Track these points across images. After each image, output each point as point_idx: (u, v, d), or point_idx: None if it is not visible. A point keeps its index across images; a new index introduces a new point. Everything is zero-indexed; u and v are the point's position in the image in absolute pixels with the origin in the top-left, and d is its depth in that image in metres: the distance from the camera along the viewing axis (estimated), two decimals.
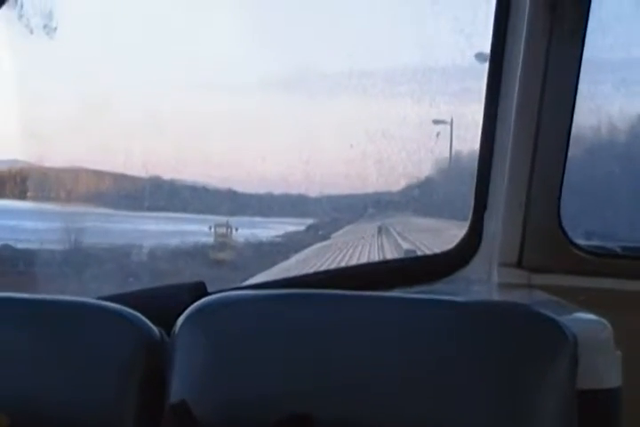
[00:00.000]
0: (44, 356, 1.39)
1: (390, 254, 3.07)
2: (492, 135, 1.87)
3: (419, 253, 2.53)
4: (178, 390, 1.35)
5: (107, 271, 2.72)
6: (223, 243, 3.18)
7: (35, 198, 3.11)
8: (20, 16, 2.11)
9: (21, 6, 2.11)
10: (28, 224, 3.14)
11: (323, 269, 2.80)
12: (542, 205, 1.85)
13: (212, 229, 3.21)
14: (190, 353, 1.37)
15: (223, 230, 3.22)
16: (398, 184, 2.59)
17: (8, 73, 2.28)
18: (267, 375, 1.33)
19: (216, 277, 1.65)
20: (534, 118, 1.83)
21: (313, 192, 2.71)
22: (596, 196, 2.10)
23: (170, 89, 2.59)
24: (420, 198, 2.72)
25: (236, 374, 1.34)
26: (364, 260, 3.09)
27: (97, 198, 3.24)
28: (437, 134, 2.11)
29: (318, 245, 3.22)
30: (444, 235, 2.39)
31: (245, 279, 2.27)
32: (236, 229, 3.21)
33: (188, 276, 2.88)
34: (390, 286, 1.85)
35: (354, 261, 3.02)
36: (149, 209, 2.97)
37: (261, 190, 2.87)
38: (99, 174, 3.21)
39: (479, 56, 2.03)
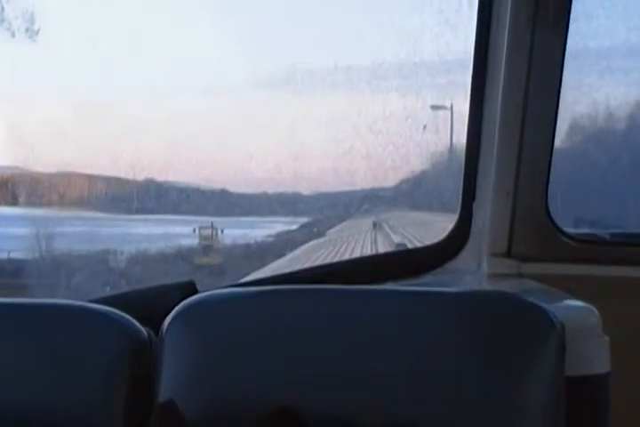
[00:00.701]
0: (30, 358, 1.39)
1: (383, 249, 3.08)
2: (478, 126, 1.87)
3: (410, 246, 2.53)
4: (166, 389, 1.34)
5: (78, 281, 2.58)
6: (208, 246, 3.02)
7: (26, 204, 3.09)
8: (2, 20, 2.10)
9: (2, 9, 2.10)
10: (18, 231, 3.07)
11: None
12: (530, 194, 1.85)
13: (197, 232, 3.05)
14: (178, 352, 1.37)
15: (208, 232, 3.06)
16: (387, 179, 2.59)
17: None
18: (255, 373, 1.33)
19: (199, 283, 1.61)
20: (520, 108, 1.83)
21: (304, 190, 2.71)
22: (584, 184, 2.10)
23: (156, 91, 2.59)
24: (411, 192, 2.72)
25: (225, 372, 1.34)
26: (357, 255, 3.09)
27: (87, 202, 3.22)
28: (424, 127, 2.12)
29: (313, 242, 3.21)
30: (436, 227, 2.39)
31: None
32: (222, 231, 3.04)
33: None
34: (381, 280, 1.85)
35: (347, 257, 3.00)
36: (139, 212, 2.93)
37: (252, 190, 2.87)
38: (90, 178, 3.20)
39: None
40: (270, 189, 2.79)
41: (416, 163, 2.41)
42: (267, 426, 1.18)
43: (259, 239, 3.17)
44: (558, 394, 1.28)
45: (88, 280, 2.61)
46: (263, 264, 2.72)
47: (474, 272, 1.88)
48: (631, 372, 1.50)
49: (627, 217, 2.13)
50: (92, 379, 1.36)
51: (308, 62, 2.30)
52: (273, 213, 2.99)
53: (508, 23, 1.79)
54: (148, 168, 2.67)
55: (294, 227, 3.23)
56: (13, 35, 2.13)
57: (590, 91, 2.06)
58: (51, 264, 2.74)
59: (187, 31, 2.41)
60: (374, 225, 3.15)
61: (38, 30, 2.16)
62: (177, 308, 1.41)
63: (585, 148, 2.15)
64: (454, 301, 1.40)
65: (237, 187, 2.84)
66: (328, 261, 2.95)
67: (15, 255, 2.83)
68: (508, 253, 1.87)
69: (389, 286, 1.79)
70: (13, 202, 3.11)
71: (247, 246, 3.13)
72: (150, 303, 1.57)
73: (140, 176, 2.77)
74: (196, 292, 1.60)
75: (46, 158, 2.60)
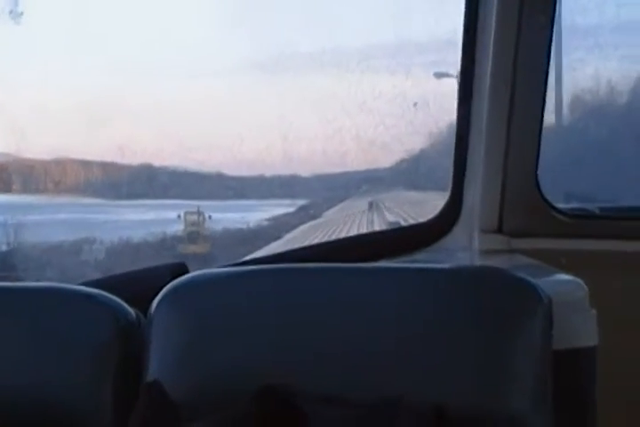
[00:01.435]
0: (18, 341, 1.39)
1: (379, 228, 3.08)
2: (468, 105, 1.88)
3: (404, 224, 2.54)
4: (154, 370, 1.34)
5: (48, 276, 2.41)
6: (194, 233, 2.79)
7: (21, 191, 3.07)
8: None
9: None
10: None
11: None
12: (520, 170, 1.86)
13: (182, 217, 2.80)
14: (166, 333, 1.37)
15: (194, 218, 2.83)
16: (380, 159, 2.59)
17: None
18: (244, 353, 1.33)
19: None
20: (509, 86, 1.83)
21: (302, 172, 2.70)
22: (574, 159, 2.11)
23: (145, 74, 2.58)
24: (407, 172, 2.72)
25: (213, 353, 1.34)
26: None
27: (81, 188, 3.20)
28: (414, 105, 2.12)
29: (309, 223, 3.20)
30: (432, 206, 2.40)
31: None
32: (210, 217, 2.82)
33: None
34: (375, 258, 1.86)
35: None
36: (130, 197, 2.85)
37: (245, 172, 2.86)
38: (83, 164, 3.17)
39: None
40: (265, 171, 2.79)
41: (409, 142, 2.41)
42: (255, 407, 1.18)
43: (252, 224, 3.00)
44: (545, 367, 1.29)
45: (59, 275, 2.45)
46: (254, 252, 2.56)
47: (466, 249, 1.89)
48: (618, 345, 1.52)
49: (616, 191, 2.14)
50: (80, 361, 1.37)
51: (297, 43, 2.30)
52: (270, 195, 2.95)
53: (495, 2, 1.79)
54: (140, 153, 2.67)
55: (291, 209, 3.18)
56: None
57: (579, 66, 2.06)
58: (19, 256, 2.57)
59: (174, 14, 2.40)
60: (370, 205, 3.15)
61: (22, 12, 2.14)
62: (165, 288, 1.41)
63: (574, 123, 2.16)
64: (443, 277, 1.41)
65: (230, 170, 2.83)
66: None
67: None
68: (499, 230, 1.88)
69: (381, 263, 1.80)
70: (6, 189, 3.09)
71: (240, 231, 2.92)
72: (141, 285, 1.57)
73: (133, 161, 2.76)
74: (187, 273, 1.61)
75: (36, 144, 2.59)
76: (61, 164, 3.15)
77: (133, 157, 2.71)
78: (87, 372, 1.37)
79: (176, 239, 2.81)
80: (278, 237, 2.88)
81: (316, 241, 2.94)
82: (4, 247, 2.57)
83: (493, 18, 1.80)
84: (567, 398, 1.35)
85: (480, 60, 1.85)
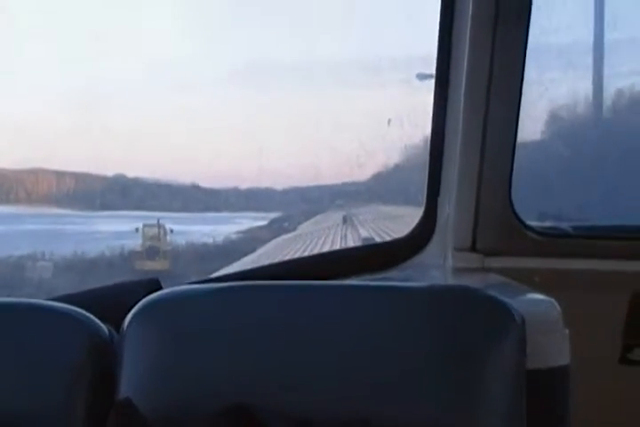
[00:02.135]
0: None
1: (352, 243, 3.07)
2: (442, 121, 1.88)
3: (379, 240, 2.53)
4: (127, 387, 1.33)
5: None
6: (153, 248, 2.59)
7: None
8: None
9: None
10: None
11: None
12: (493, 188, 1.86)
13: (140, 231, 2.60)
14: (138, 350, 1.36)
15: (154, 231, 2.65)
16: (355, 173, 2.59)
17: None
18: (215, 370, 1.32)
19: None
20: (483, 104, 1.84)
21: (276, 185, 2.69)
22: (547, 178, 2.12)
23: (123, 86, 2.56)
24: (382, 186, 2.71)
25: (184, 369, 1.33)
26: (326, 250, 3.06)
27: (54, 199, 3.15)
28: (389, 121, 2.12)
29: (282, 237, 3.18)
30: (407, 221, 2.38)
31: None
32: (171, 230, 2.65)
33: None
34: (348, 275, 1.85)
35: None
36: (104, 208, 2.78)
37: (220, 185, 2.85)
38: (59, 174, 3.12)
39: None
40: (238, 183, 2.77)
41: (383, 157, 2.41)
42: (227, 424, 1.17)
43: (221, 237, 2.88)
44: (519, 387, 1.29)
45: None
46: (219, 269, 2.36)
47: (439, 267, 1.88)
48: (591, 364, 1.52)
49: (589, 210, 2.15)
50: (51, 378, 1.35)
51: (272, 59, 2.30)
52: (242, 208, 2.92)
53: (470, 18, 1.79)
54: (114, 164, 2.65)
55: (264, 222, 3.13)
56: None
57: (552, 86, 2.07)
58: None
59: (151, 29, 2.39)
60: (345, 219, 3.14)
61: None
62: (138, 305, 1.40)
63: (547, 142, 2.17)
64: (415, 296, 1.40)
65: (205, 182, 2.81)
66: (298, 256, 2.91)
67: None
68: (473, 248, 1.88)
69: (352, 281, 1.79)
70: None
71: (205, 246, 2.76)
72: (114, 301, 1.55)
73: (107, 172, 2.73)
74: (160, 289, 1.59)
75: (6, 154, 2.55)
76: (34, 173, 3.11)
77: (107, 169, 2.69)
78: (59, 388, 1.35)
79: (134, 254, 2.62)
80: (245, 254, 2.77)
81: (289, 256, 2.92)
82: None
83: (467, 34, 1.80)
84: (541, 417, 1.36)
85: (454, 77, 1.85)
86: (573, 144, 2.19)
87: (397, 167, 2.50)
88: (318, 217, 3.28)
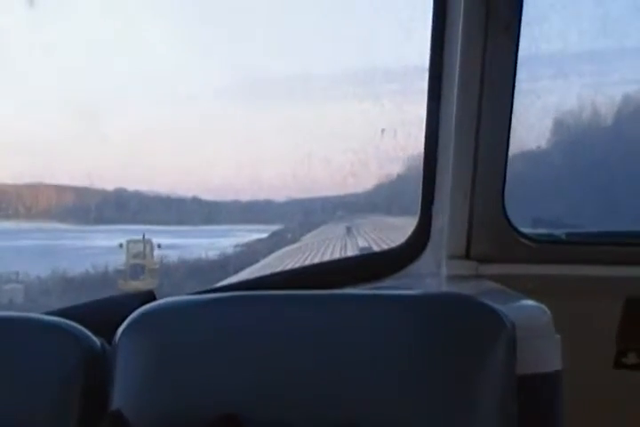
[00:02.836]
0: None
1: (351, 253, 3.07)
2: (435, 130, 1.89)
3: (377, 249, 2.53)
4: (119, 400, 1.33)
5: None
6: (138, 266, 2.43)
7: None
8: None
9: None
10: None
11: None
12: (487, 196, 1.87)
13: (124, 247, 2.40)
14: (130, 362, 1.36)
15: (139, 248, 2.47)
16: (353, 184, 2.60)
17: None
18: (208, 382, 1.32)
19: None
20: (475, 112, 1.85)
21: (276, 197, 2.69)
22: (540, 185, 2.13)
23: (117, 100, 2.58)
24: (380, 197, 2.72)
25: (176, 382, 1.33)
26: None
27: (52, 213, 3.16)
28: (382, 131, 2.13)
29: (285, 249, 3.18)
30: (408, 232, 2.39)
31: None
32: (159, 246, 2.46)
33: None
34: (344, 284, 1.86)
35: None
36: (99, 222, 2.72)
37: (216, 197, 2.85)
38: (58, 189, 3.13)
39: None
40: (234, 195, 2.78)
41: (381, 168, 2.42)
42: None
43: (212, 254, 2.72)
44: (510, 393, 1.30)
45: None
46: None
47: (434, 275, 1.89)
48: (583, 369, 1.53)
49: (582, 217, 2.17)
50: (44, 391, 1.35)
51: (266, 70, 2.32)
52: (241, 221, 2.92)
53: (460, 28, 1.81)
54: (109, 178, 2.66)
55: (265, 235, 3.11)
56: None
57: (544, 95, 2.09)
58: None
59: (144, 41, 2.41)
60: (348, 230, 3.14)
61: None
62: (130, 317, 1.40)
63: (540, 150, 2.18)
64: (407, 303, 1.40)
65: (202, 194, 2.82)
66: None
67: None
68: (467, 255, 1.89)
69: (346, 290, 1.80)
70: None
71: (196, 263, 2.58)
72: (107, 314, 1.55)
73: (102, 186, 2.74)
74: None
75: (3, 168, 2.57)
76: (34, 188, 3.11)
77: (103, 182, 2.69)
78: (51, 401, 1.35)
79: (117, 273, 2.44)
80: (240, 270, 2.62)
81: (289, 266, 2.91)
82: None
83: (459, 44, 1.82)
84: (532, 423, 1.36)
85: (446, 87, 1.87)
86: (566, 151, 2.21)
87: (393, 177, 2.52)
88: (322, 228, 3.28)
